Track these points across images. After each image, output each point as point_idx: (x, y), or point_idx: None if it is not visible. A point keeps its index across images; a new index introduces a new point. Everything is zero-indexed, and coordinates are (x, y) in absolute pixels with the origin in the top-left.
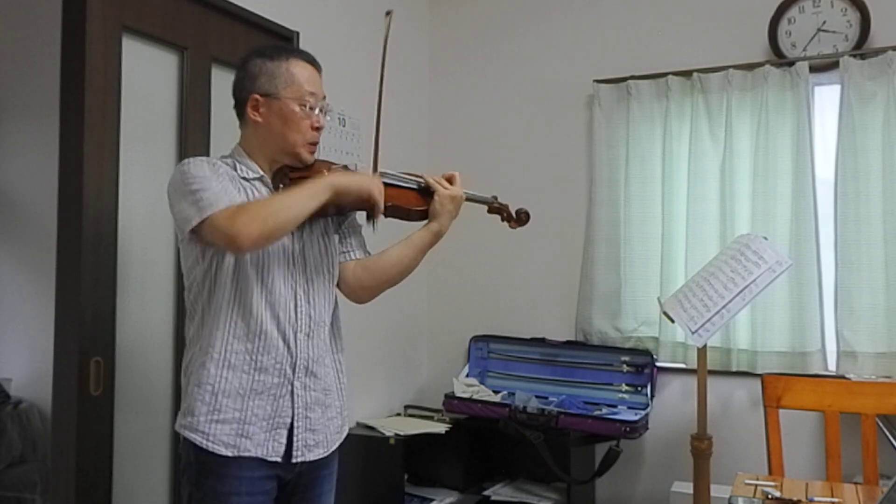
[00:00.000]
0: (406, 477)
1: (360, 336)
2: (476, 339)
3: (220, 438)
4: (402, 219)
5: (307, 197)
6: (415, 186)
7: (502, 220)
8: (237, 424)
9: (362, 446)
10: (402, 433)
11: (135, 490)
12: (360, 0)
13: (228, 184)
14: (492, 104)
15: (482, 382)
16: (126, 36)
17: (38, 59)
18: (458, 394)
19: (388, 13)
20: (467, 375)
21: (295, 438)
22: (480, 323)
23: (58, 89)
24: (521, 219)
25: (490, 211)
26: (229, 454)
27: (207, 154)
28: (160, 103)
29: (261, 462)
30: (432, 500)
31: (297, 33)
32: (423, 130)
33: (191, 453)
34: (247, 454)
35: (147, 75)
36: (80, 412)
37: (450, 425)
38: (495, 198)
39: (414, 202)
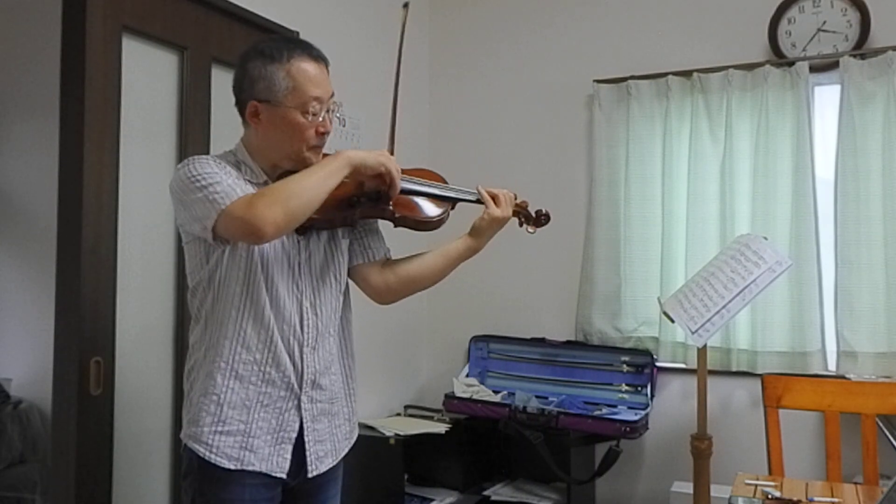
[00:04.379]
0: (406, 477)
1: (360, 336)
2: (476, 339)
3: (223, 451)
4: (414, 229)
5: (326, 175)
6: (433, 193)
7: (520, 224)
8: (241, 437)
9: (362, 446)
10: (402, 433)
11: (135, 490)
12: (360, 2)
13: (237, 179)
14: (492, 104)
15: (482, 382)
16: (126, 36)
17: (38, 59)
18: (458, 394)
19: (405, 5)
20: (467, 375)
21: (308, 453)
22: (480, 323)
23: (58, 89)
24: (539, 220)
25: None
26: (232, 467)
27: (207, 153)
28: (160, 103)
29: (265, 474)
30: (432, 500)
31: (297, 33)
32: (424, 130)
33: (193, 458)
34: (251, 468)
35: (147, 75)
36: (80, 412)
37: (450, 425)
38: (514, 196)
39: (428, 212)
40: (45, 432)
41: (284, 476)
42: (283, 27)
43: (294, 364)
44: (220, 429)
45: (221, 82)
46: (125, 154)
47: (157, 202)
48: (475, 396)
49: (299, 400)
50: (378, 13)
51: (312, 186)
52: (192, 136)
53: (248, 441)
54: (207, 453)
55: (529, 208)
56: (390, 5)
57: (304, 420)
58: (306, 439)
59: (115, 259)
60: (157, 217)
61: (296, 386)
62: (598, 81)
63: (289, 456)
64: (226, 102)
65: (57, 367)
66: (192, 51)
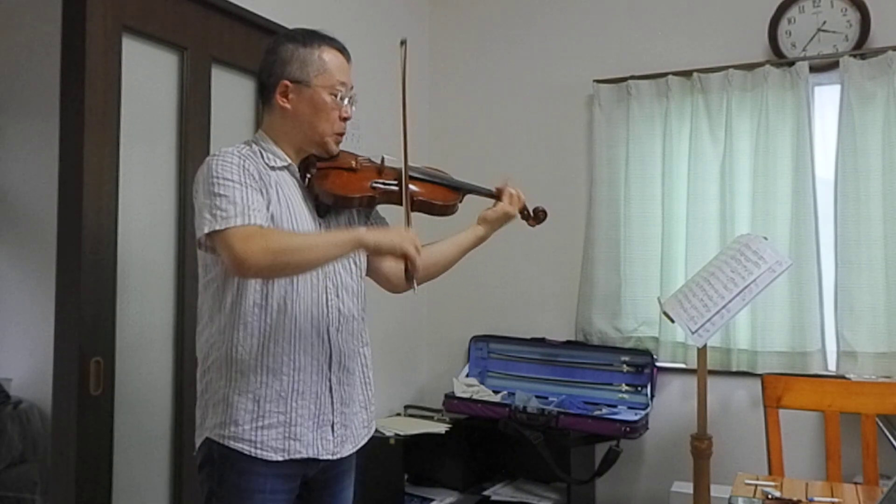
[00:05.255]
0: (406, 477)
1: None
2: (476, 339)
3: (268, 444)
4: (428, 213)
5: (332, 245)
6: (446, 183)
7: (521, 217)
8: (283, 427)
9: (362, 446)
10: (402, 433)
11: (135, 490)
12: (361, 0)
13: (255, 193)
14: (492, 104)
15: (482, 382)
16: (126, 36)
17: (38, 59)
18: (458, 394)
19: (402, 42)
20: (467, 375)
21: (334, 435)
22: (480, 323)
23: (58, 89)
24: (538, 217)
25: None
26: (280, 458)
27: (207, 153)
28: (160, 103)
29: (292, 461)
30: (432, 500)
31: None
32: (424, 130)
33: (213, 449)
34: (298, 456)
35: (147, 75)
36: (80, 412)
37: (450, 425)
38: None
39: (441, 198)
40: (45, 432)
41: (331, 457)
42: (283, 28)
43: (323, 344)
44: (261, 424)
45: (221, 82)
46: (125, 154)
47: (157, 202)
48: (475, 396)
49: (330, 383)
50: (379, 13)
51: (312, 249)
52: (192, 136)
53: (290, 430)
54: (252, 449)
55: (528, 207)
56: (391, 6)
57: (335, 403)
58: (335, 422)
59: (115, 259)
60: (157, 217)
61: (325, 368)
62: (598, 81)
63: (331, 438)
64: (226, 102)
65: (57, 367)
66: (192, 51)
